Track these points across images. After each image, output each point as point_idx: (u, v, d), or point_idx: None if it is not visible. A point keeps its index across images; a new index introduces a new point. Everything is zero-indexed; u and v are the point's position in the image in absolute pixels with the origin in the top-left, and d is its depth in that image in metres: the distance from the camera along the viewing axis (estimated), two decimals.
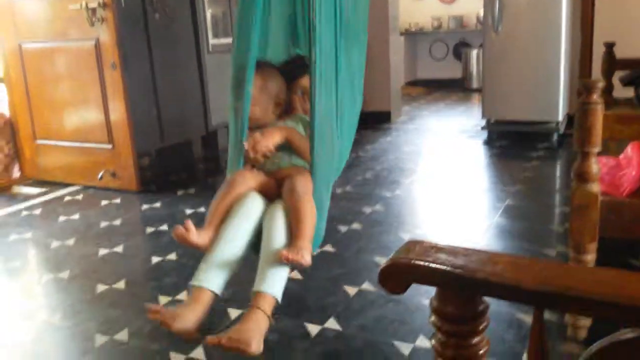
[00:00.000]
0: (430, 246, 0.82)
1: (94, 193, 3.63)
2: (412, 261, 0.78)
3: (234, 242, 1.37)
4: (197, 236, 1.34)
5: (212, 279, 1.32)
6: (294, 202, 1.35)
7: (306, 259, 1.28)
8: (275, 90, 1.58)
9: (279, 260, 1.27)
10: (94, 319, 2.05)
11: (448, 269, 0.76)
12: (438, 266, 0.76)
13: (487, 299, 0.77)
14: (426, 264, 0.77)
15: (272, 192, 1.47)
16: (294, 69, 1.65)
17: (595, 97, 1.48)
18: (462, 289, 0.77)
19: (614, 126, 1.51)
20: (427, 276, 0.78)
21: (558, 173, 3.75)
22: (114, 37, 3.36)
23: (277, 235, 1.34)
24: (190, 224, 1.34)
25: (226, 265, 1.33)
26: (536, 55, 4.30)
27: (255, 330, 1.19)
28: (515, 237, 2.58)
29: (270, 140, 1.46)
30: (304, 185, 1.38)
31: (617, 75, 3.06)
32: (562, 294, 0.70)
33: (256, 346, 1.18)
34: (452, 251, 0.80)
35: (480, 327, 0.77)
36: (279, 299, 1.29)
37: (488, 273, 0.75)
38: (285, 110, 1.64)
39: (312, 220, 1.34)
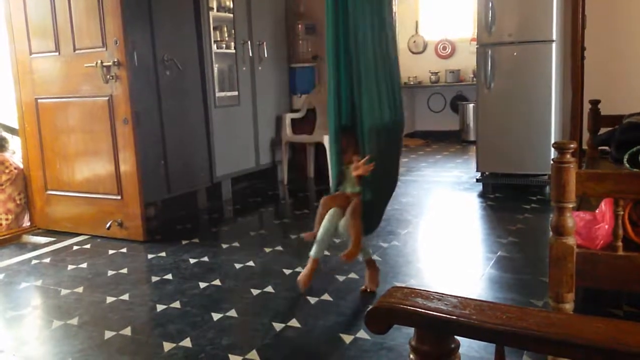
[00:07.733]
0: (410, 292, 0.94)
1: (102, 242, 3.75)
2: (393, 305, 0.91)
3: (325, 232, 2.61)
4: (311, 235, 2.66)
5: (317, 253, 2.64)
6: (350, 223, 2.53)
7: (352, 259, 2.60)
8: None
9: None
10: None
11: (424, 311, 0.88)
12: (415, 309, 0.89)
13: (457, 337, 0.90)
14: (405, 307, 0.90)
15: (345, 203, 2.60)
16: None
17: (568, 156, 1.63)
18: (436, 329, 0.89)
19: (587, 184, 1.65)
20: (406, 318, 0.90)
21: (549, 224, 3.86)
22: (127, 93, 3.55)
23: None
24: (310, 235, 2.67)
25: (323, 242, 2.61)
26: (527, 111, 4.48)
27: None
28: (505, 288, 2.68)
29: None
30: (355, 211, 2.52)
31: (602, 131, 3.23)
32: (519, 333, 0.83)
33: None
34: (428, 296, 0.92)
35: None
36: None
37: (458, 315, 0.87)
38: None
39: (356, 233, 2.51)
